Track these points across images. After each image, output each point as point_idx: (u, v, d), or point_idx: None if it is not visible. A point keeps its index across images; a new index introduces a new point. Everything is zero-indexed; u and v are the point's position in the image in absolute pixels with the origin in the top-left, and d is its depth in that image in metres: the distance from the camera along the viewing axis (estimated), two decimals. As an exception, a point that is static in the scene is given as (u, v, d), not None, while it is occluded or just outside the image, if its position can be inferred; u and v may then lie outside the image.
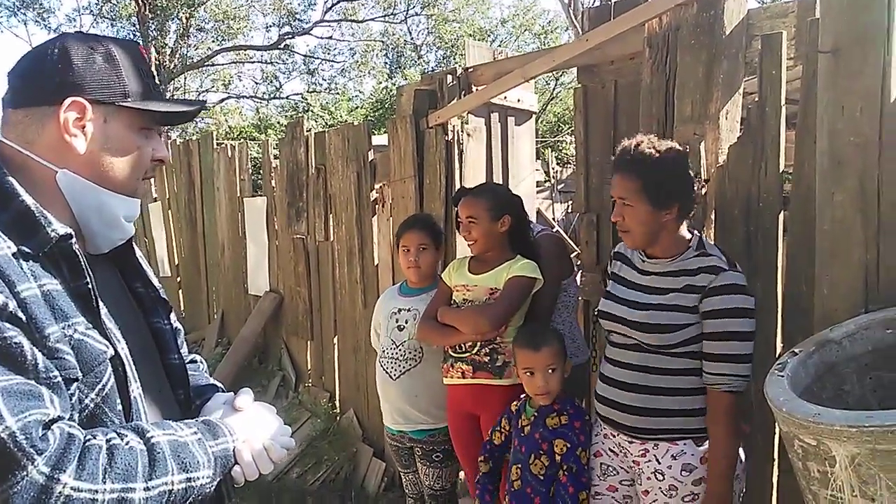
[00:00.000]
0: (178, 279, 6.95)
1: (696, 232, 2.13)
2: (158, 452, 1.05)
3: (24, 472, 0.92)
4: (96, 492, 0.96)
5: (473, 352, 2.60)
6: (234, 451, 1.18)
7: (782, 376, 1.69)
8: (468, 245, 2.73)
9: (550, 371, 2.29)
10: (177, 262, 6.90)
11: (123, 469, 1.00)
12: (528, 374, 2.32)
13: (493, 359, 2.56)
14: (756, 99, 2.31)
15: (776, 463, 2.33)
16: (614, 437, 2.18)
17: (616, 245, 2.37)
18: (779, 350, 2.28)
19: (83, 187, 1.15)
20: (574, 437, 2.24)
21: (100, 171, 1.17)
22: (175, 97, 16.81)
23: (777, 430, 2.28)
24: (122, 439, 1.04)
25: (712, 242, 2.41)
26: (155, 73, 1.25)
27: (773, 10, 2.42)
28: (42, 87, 1.12)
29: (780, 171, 2.26)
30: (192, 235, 6.49)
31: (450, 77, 3.61)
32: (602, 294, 2.28)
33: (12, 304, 0.97)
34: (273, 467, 1.25)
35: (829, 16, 1.91)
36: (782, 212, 2.29)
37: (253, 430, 1.25)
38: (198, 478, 1.09)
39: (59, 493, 0.93)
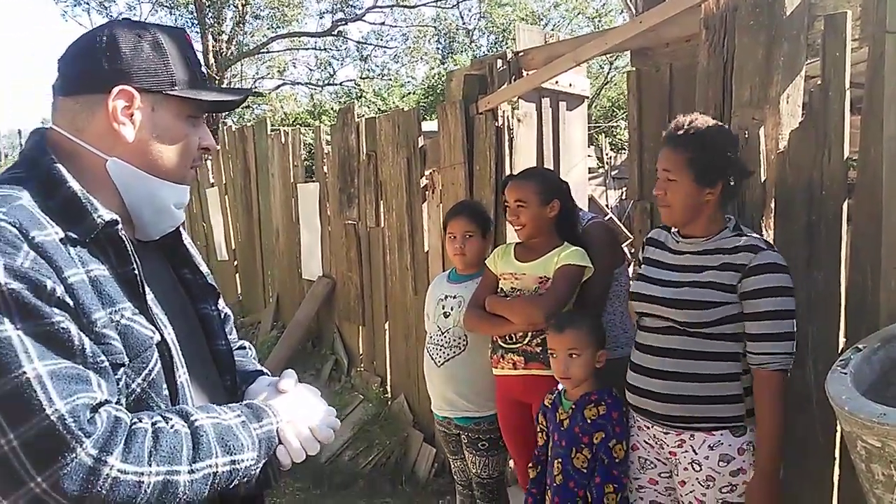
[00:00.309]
0: (235, 263, 7.10)
1: (732, 217, 2.12)
2: (202, 435, 1.07)
3: (73, 455, 0.94)
4: (142, 474, 0.98)
5: (524, 342, 2.57)
6: (277, 432, 1.19)
7: (845, 373, 1.63)
8: (515, 230, 2.69)
9: (571, 355, 2.26)
10: (234, 246, 7.04)
11: (169, 452, 1.02)
12: (552, 356, 2.32)
13: (545, 349, 2.53)
14: (818, 82, 2.22)
15: (837, 462, 2.25)
16: (648, 428, 2.15)
17: (651, 231, 2.36)
18: (841, 345, 2.19)
19: (133, 176, 1.17)
20: (611, 428, 2.21)
21: (149, 160, 1.18)
22: (229, 84, 17.13)
23: (838, 427, 2.20)
24: (167, 422, 1.05)
25: (772, 231, 2.35)
26: (202, 60, 1.25)
27: (837, -11, 2.31)
28: (91, 75, 1.13)
29: (845, 157, 2.17)
30: (248, 221, 6.61)
31: (500, 62, 3.57)
32: (635, 278, 2.25)
33: (60, 290, 0.99)
34: (319, 448, 1.25)
35: (899, -6, 1.82)
36: (846, 200, 2.20)
37: (297, 411, 1.25)
38: (242, 460, 1.10)
39: (107, 475, 0.95)
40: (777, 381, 1.95)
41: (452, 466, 3.13)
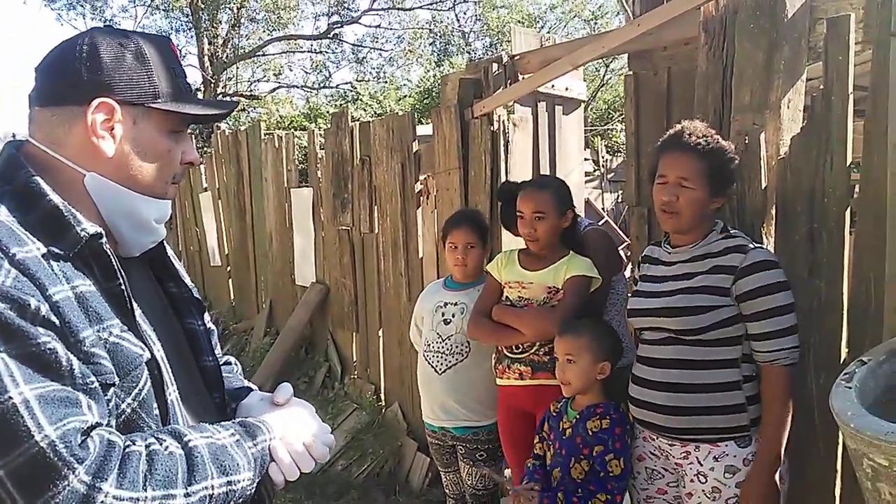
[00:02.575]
0: (229, 269, 7.04)
1: (719, 220, 2.13)
2: (197, 457, 1.03)
3: (66, 482, 0.90)
4: (137, 500, 0.94)
5: (532, 352, 2.53)
6: (269, 449, 1.15)
7: (850, 387, 1.58)
8: (528, 242, 2.62)
9: (568, 361, 2.24)
10: (227, 251, 6.98)
11: (164, 475, 0.98)
12: (556, 360, 2.31)
13: (552, 358, 2.47)
14: (820, 87, 2.17)
15: (839, 475, 2.19)
16: (653, 440, 2.13)
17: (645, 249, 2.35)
18: (843, 356, 2.14)
19: (112, 191, 1.12)
20: (611, 443, 2.16)
21: (129, 175, 1.13)
22: (224, 88, 17.08)
23: (840, 438, 2.15)
24: (161, 444, 1.01)
25: (772, 238, 2.30)
26: (186, 71, 1.19)
27: (839, -9, 2.26)
28: (69, 86, 1.08)
29: (848, 164, 2.12)
30: (242, 226, 6.55)
31: (495, 65, 3.52)
32: (631, 294, 2.25)
33: (44, 308, 0.95)
34: (313, 465, 1.22)
35: (904, -4, 1.77)
36: (849, 208, 2.15)
37: (290, 426, 1.21)
38: (238, 481, 1.07)
39: (102, 502, 0.91)
40: (787, 376, 1.96)
41: (444, 479, 3.08)
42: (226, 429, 1.12)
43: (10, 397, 0.89)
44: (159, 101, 1.12)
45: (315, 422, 1.27)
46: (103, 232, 1.08)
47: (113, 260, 1.08)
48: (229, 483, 1.05)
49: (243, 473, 1.08)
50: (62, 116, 1.09)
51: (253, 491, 1.11)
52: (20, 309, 0.92)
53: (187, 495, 0.99)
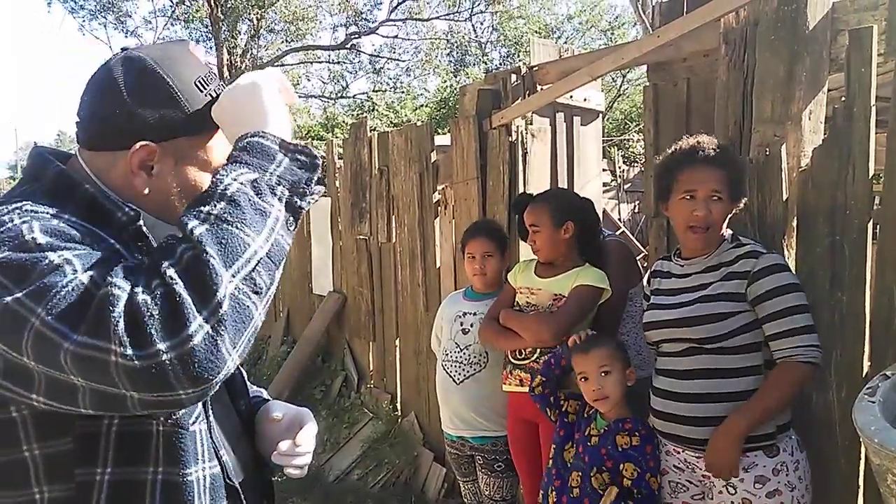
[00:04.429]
0: (245, 277, 7.07)
1: (730, 229, 2.14)
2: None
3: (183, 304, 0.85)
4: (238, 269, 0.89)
5: (532, 359, 2.53)
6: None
7: (873, 402, 1.57)
8: (534, 253, 2.66)
9: (603, 374, 2.22)
10: (244, 260, 7.02)
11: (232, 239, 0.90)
12: (583, 379, 2.26)
13: None
14: (842, 98, 2.16)
15: (861, 490, 2.17)
16: (678, 453, 2.11)
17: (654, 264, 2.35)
18: (866, 370, 2.12)
19: (148, 224, 1.11)
20: (644, 462, 2.14)
21: (162, 209, 1.13)
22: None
23: (863, 453, 2.13)
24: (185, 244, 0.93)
25: (794, 251, 2.29)
26: (212, 72, 1.17)
27: (860, 3, 2.25)
28: (108, 136, 1.08)
29: (870, 176, 2.10)
30: (259, 235, 6.58)
31: (514, 76, 3.53)
32: (646, 309, 2.24)
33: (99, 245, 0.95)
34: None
35: (928, 8, 1.76)
36: (871, 220, 2.13)
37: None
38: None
39: (224, 294, 0.87)
40: (799, 372, 1.93)
41: (463, 489, 3.07)
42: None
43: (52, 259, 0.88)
44: (193, 129, 1.10)
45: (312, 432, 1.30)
46: (140, 212, 1.08)
47: (151, 240, 1.07)
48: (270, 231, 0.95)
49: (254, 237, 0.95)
50: (106, 155, 1.09)
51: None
52: (70, 238, 0.93)
53: (264, 241, 0.93)
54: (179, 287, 0.85)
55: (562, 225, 2.55)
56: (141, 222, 1.07)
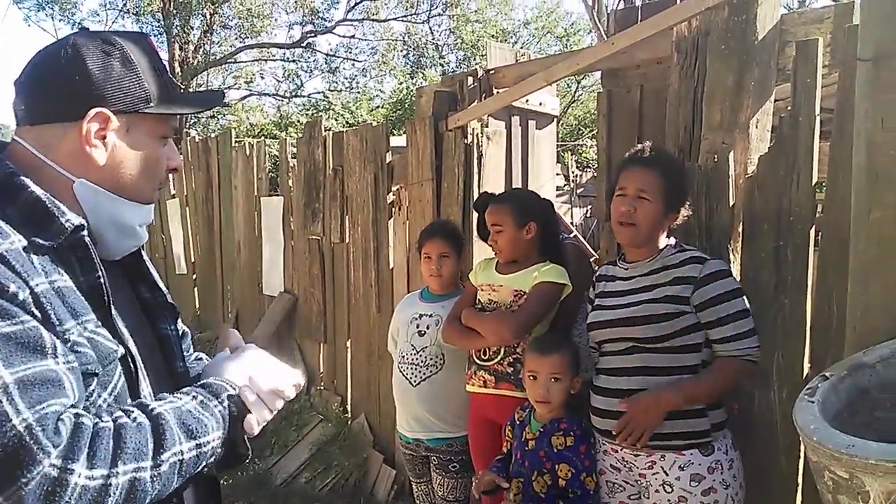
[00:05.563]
0: (194, 277, 6.93)
1: (672, 236, 2.21)
2: (164, 423, 1.03)
3: (40, 467, 0.89)
4: (108, 476, 0.94)
5: (496, 361, 2.53)
6: (238, 397, 1.15)
7: (812, 402, 1.61)
8: (495, 254, 2.66)
9: (553, 380, 2.23)
10: (193, 259, 6.88)
11: (133, 448, 0.98)
12: (531, 377, 2.27)
13: (517, 370, 2.48)
14: (788, 108, 2.22)
15: (800, 488, 2.23)
16: (616, 452, 2.14)
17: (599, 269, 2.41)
18: (806, 371, 2.19)
19: (101, 197, 1.13)
20: (579, 462, 2.17)
21: (118, 182, 1.14)
22: (192, 90, 16.91)
23: (802, 453, 2.19)
24: (128, 416, 1.01)
25: (739, 255, 2.34)
26: (166, 66, 1.20)
27: (807, 16, 2.32)
28: (63, 102, 1.08)
29: (813, 183, 2.17)
30: (209, 234, 6.47)
31: (470, 79, 3.54)
32: (590, 311, 2.28)
33: (24, 294, 0.95)
34: (282, 405, 1.23)
35: (870, 23, 1.82)
36: (814, 227, 2.20)
37: (253, 371, 1.22)
38: (207, 442, 1.07)
39: (74, 484, 0.91)
40: (739, 365, 2.01)
41: (415, 490, 3.05)
42: (187, 394, 1.12)
43: None
44: (152, 105, 1.13)
45: (275, 362, 1.29)
46: (85, 224, 1.08)
47: (93, 252, 1.08)
48: (198, 446, 1.06)
49: (212, 434, 1.08)
50: (55, 127, 1.09)
51: (222, 450, 1.11)
52: (1, 291, 0.92)
53: (157, 465, 0.99)
54: None
55: (524, 225, 2.55)
56: (84, 233, 1.07)
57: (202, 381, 1.18)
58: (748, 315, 2.03)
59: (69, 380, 0.96)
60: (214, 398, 1.13)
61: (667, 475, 2.03)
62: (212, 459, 1.09)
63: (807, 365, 2.22)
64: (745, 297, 2.04)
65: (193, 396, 1.11)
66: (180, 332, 1.36)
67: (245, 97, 20.33)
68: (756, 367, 2.04)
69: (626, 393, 2.06)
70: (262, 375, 1.22)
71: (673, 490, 2.02)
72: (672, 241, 2.17)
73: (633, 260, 2.21)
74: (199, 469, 1.07)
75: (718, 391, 2.03)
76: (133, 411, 1.03)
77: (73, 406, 0.96)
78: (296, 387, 1.27)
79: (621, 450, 2.11)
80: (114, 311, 1.10)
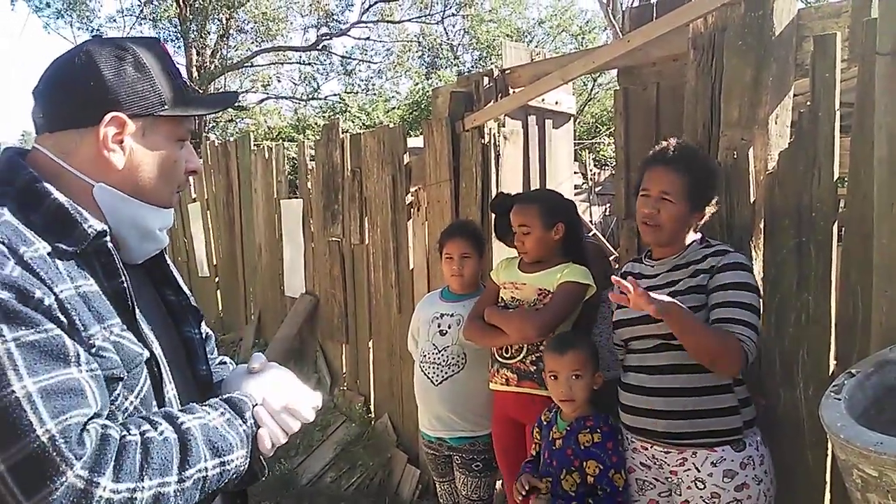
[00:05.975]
0: (217, 280, 7.00)
1: (700, 233, 2.20)
2: (191, 440, 1.04)
3: (64, 478, 0.90)
4: (134, 490, 0.95)
5: (519, 359, 2.54)
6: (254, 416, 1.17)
7: (839, 399, 1.60)
8: (520, 255, 2.66)
9: (574, 377, 2.24)
10: (215, 262, 6.95)
11: (160, 463, 0.99)
12: (552, 377, 2.29)
13: (539, 368, 2.48)
14: (807, 103, 2.21)
15: (828, 486, 2.22)
16: (647, 449, 2.13)
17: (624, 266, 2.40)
18: (831, 369, 2.17)
19: (121, 201, 1.14)
20: (607, 458, 2.17)
21: (137, 185, 1.16)
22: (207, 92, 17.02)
23: (829, 451, 2.17)
24: (156, 429, 1.03)
25: (761, 252, 2.33)
26: (179, 69, 1.23)
27: (824, 10, 2.30)
28: (78, 108, 1.10)
29: (835, 179, 2.15)
30: (230, 237, 6.53)
31: (486, 79, 3.54)
32: (615, 308, 2.26)
33: (49, 300, 0.96)
34: (298, 426, 1.23)
35: (889, 16, 1.81)
36: (836, 222, 2.18)
37: (271, 391, 1.23)
38: (231, 460, 1.09)
39: (99, 496, 0.92)
40: (733, 343, 1.91)
41: (439, 489, 3.07)
42: (215, 408, 1.14)
43: (13, 391, 0.90)
44: (166, 108, 1.15)
45: (296, 383, 1.29)
46: (108, 230, 1.10)
47: (116, 257, 1.10)
48: (223, 464, 1.07)
49: (236, 452, 1.10)
50: (73, 133, 1.11)
51: (246, 467, 1.12)
52: (24, 298, 0.94)
53: (182, 480, 1.01)
54: None
55: (553, 226, 2.56)
56: (107, 238, 1.09)
57: (227, 396, 1.19)
58: (754, 311, 1.99)
59: (91, 388, 0.97)
60: (239, 416, 1.14)
61: (699, 472, 2.02)
62: (234, 477, 1.11)
63: (832, 362, 2.20)
64: (756, 296, 2.02)
65: (221, 413, 1.13)
66: (204, 335, 1.38)
67: (262, 100, 20.47)
68: (743, 357, 1.93)
69: (656, 391, 2.06)
70: (280, 396, 1.23)
71: (705, 486, 2.01)
72: (698, 236, 2.17)
73: (658, 257, 2.21)
74: (221, 485, 1.09)
75: (695, 338, 1.93)
76: (160, 423, 1.04)
77: (97, 415, 0.97)
78: (314, 409, 1.27)
79: (651, 447, 2.11)
80: (138, 315, 1.12)
